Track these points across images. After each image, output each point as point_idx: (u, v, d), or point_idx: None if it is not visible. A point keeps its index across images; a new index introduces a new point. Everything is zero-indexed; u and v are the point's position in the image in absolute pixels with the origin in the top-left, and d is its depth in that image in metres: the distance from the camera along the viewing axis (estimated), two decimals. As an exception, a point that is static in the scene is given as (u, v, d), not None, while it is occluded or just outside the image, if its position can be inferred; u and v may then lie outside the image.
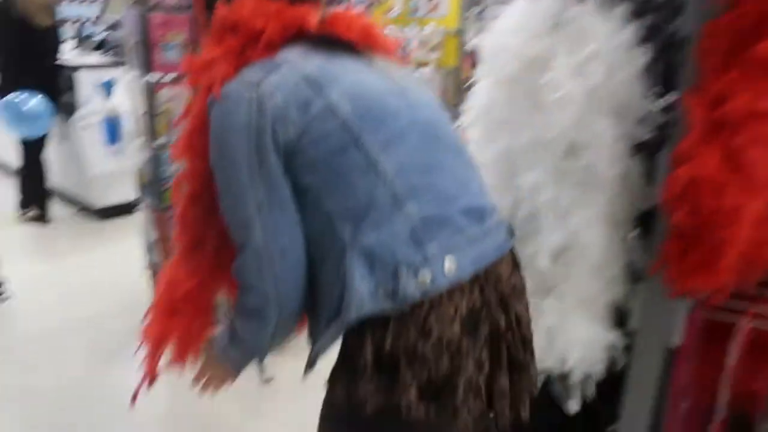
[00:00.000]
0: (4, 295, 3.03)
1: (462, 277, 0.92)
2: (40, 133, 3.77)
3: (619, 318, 1.37)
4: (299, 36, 0.97)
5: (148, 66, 2.29)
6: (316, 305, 0.98)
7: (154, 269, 2.65)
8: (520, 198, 1.33)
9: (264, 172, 0.91)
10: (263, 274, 0.94)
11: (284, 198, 0.93)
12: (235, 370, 1.09)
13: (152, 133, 2.36)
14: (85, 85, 3.85)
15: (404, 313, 0.89)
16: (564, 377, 1.42)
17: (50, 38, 3.85)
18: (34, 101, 3.54)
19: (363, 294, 0.88)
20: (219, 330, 1.10)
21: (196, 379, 1.12)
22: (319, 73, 0.94)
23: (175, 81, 2.28)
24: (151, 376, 1.17)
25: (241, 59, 0.95)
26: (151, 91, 2.31)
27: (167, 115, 2.34)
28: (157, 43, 2.26)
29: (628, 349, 1.34)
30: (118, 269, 3.43)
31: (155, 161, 2.38)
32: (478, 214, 0.98)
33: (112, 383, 2.49)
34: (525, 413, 1.01)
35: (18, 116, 3.56)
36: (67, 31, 5.32)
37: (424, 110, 1.01)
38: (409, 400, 0.88)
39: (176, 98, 2.31)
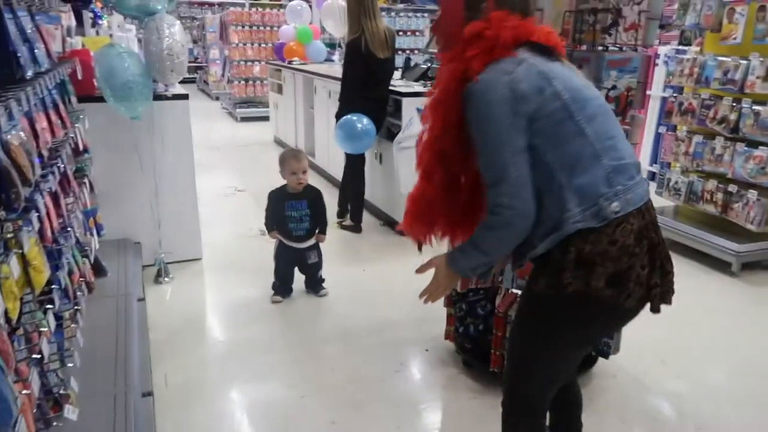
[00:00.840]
0: (323, 291, 3.50)
1: (635, 206, 1.43)
2: (363, 151, 4.30)
3: None
4: (526, 42, 1.46)
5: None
6: (535, 225, 1.45)
7: (452, 291, 2.74)
8: None
9: (515, 130, 1.40)
10: (516, 196, 1.41)
11: (524, 149, 1.42)
12: (467, 276, 1.64)
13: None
14: (407, 110, 4.24)
15: (599, 229, 1.40)
16: None
17: (387, 69, 4.36)
18: (364, 122, 4.06)
19: (577, 216, 1.41)
20: (457, 248, 1.58)
21: (429, 288, 1.65)
22: (547, 70, 1.43)
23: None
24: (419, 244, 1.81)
25: (488, 56, 1.43)
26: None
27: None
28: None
29: None
30: (413, 282, 3.67)
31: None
32: (637, 167, 1.51)
33: (398, 388, 2.66)
34: (669, 302, 1.51)
35: (350, 135, 4.12)
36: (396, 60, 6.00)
37: (600, 98, 1.54)
38: (599, 286, 1.40)
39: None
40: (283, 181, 3.34)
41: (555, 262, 1.43)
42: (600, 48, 2.16)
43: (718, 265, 3.98)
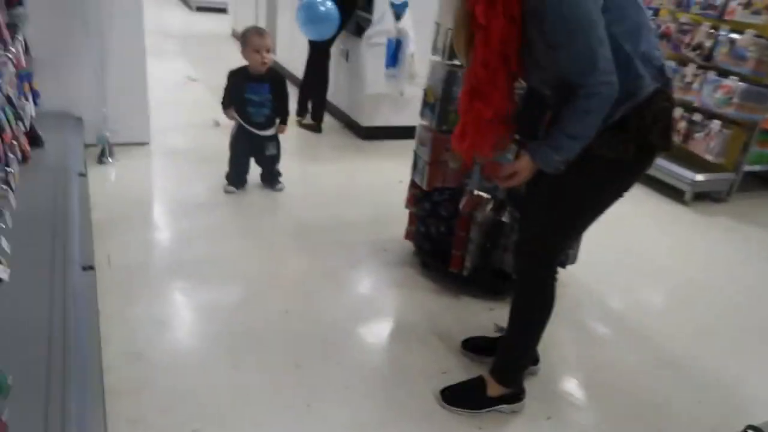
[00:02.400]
0: (279, 186, 3.35)
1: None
2: (325, 36, 3.97)
3: None
4: None
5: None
6: None
7: (415, 190, 2.65)
8: None
9: (597, 7, 1.43)
10: (611, 72, 1.45)
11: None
12: (557, 170, 1.59)
13: (449, 51, 2.30)
14: (380, 4, 3.97)
15: (661, 89, 1.54)
16: None
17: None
18: (327, 5, 3.75)
19: (648, 80, 1.51)
20: (545, 145, 1.59)
21: (505, 175, 1.68)
22: None
23: None
24: (467, 160, 1.92)
25: None
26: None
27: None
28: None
29: None
30: (372, 185, 3.58)
31: (448, 80, 2.33)
32: None
33: (354, 284, 2.61)
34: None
35: (311, 17, 3.81)
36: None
37: None
38: (658, 140, 1.57)
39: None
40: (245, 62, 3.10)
41: (631, 128, 1.53)
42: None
43: (673, 193, 4.04)
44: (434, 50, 2.44)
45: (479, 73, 1.58)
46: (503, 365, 1.90)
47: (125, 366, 1.91)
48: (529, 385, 1.98)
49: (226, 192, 3.22)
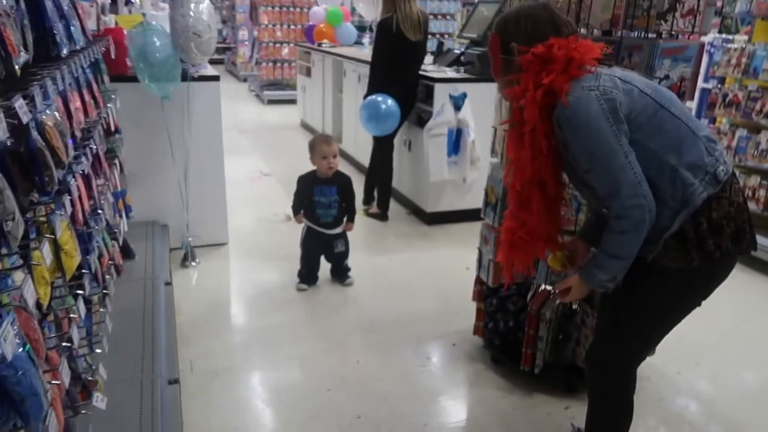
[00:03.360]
0: (348, 281, 3.46)
1: (731, 167, 1.59)
2: (387, 132, 4.18)
3: None
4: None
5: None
6: (660, 209, 1.54)
7: (482, 285, 2.67)
8: None
9: (620, 135, 1.50)
10: (639, 194, 1.49)
11: (630, 148, 1.51)
12: (605, 289, 1.64)
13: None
14: (439, 96, 4.13)
15: (719, 194, 1.54)
16: None
17: (418, 52, 4.26)
18: (388, 103, 3.96)
19: (699, 188, 1.52)
20: (589, 263, 1.66)
21: (563, 293, 1.75)
22: (622, 74, 1.57)
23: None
24: (507, 283, 2.04)
25: (567, 76, 1.51)
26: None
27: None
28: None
29: None
30: (438, 275, 3.62)
31: (506, 181, 2.38)
32: None
33: (425, 383, 2.60)
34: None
35: (373, 115, 4.03)
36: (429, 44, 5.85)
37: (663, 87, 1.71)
38: (727, 246, 1.55)
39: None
40: (313, 167, 3.29)
41: (689, 237, 1.54)
42: (654, 35, 2.04)
43: (758, 264, 3.84)
44: (492, 152, 2.52)
45: (512, 195, 1.72)
46: None
47: (208, 479, 1.99)
48: (612, 496, 1.89)
49: (299, 290, 3.35)
